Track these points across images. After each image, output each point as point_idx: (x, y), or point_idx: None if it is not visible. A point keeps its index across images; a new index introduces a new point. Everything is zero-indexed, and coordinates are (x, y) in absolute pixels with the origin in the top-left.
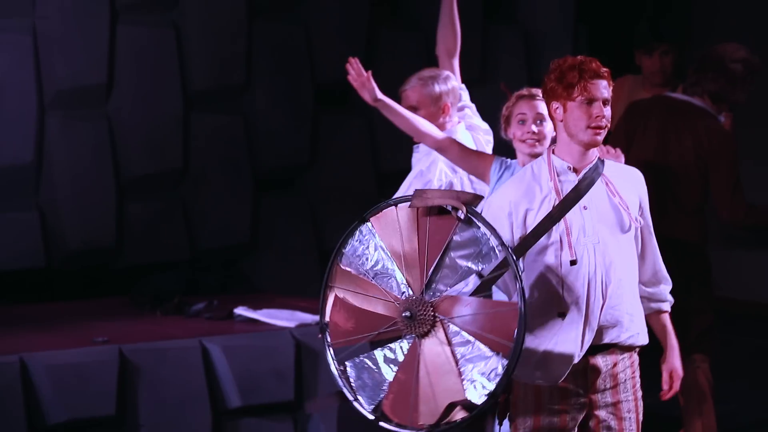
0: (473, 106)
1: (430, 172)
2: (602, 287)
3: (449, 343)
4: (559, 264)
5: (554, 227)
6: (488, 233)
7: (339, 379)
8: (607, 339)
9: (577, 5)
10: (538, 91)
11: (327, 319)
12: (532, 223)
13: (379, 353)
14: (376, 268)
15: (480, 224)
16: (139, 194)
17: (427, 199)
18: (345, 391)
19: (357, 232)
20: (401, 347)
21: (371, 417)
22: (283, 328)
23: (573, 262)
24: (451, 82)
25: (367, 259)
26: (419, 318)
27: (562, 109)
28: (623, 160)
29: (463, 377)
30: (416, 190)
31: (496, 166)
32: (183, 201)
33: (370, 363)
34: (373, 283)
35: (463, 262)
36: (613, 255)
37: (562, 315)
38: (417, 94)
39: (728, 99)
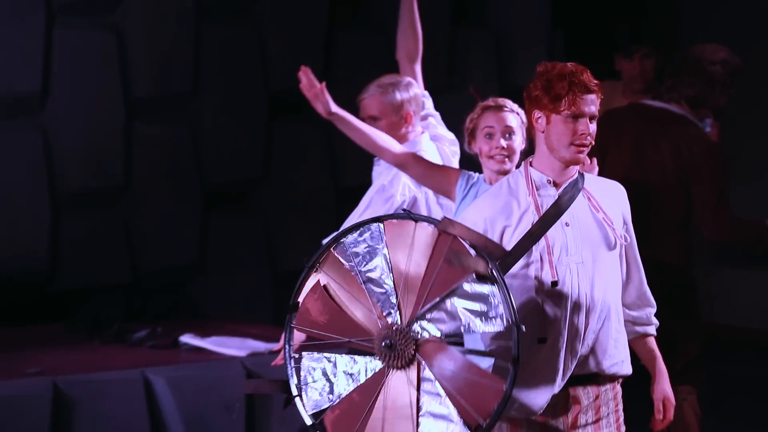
0: (437, 114)
1: (393, 186)
2: (586, 310)
3: (418, 388)
4: (540, 285)
5: (534, 245)
6: (503, 302)
7: (289, 367)
8: (590, 367)
9: (552, 7)
10: (506, 102)
11: (300, 299)
12: (510, 240)
13: (341, 359)
14: (371, 274)
15: (499, 290)
16: (76, 212)
17: (454, 230)
18: (291, 383)
19: (365, 229)
20: (367, 365)
21: (309, 422)
22: (232, 357)
23: (554, 284)
24: (413, 90)
25: (365, 260)
26: (398, 350)
27: (545, 120)
28: (596, 171)
29: (418, 430)
30: (445, 218)
31: (462, 182)
32: (124, 219)
33: (328, 365)
34: (363, 288)
35: (464, 315)
36: (597, 275)
37: (543, 340)
38: (377, 102)
39: (707, 104)
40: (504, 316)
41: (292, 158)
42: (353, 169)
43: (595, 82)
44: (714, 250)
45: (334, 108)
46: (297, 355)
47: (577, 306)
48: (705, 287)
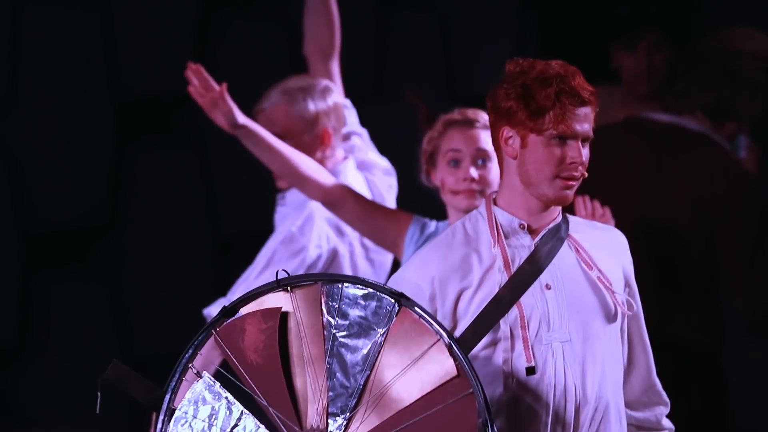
0: (365, 132)
1: (304, 235)
2: (575, 408)
3: None
4: (510, 372)
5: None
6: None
7: (174, 377)
8: None
9: None
10: (478, 115)
11: (244, 310)
12: (469, 309)
13: (246, 418)
14: (344, 350)
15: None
16: None
17: None
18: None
19: (379, 296)
20: None
21: None
22: None
23: (530, 370)
24: (332, 98)
25: (350, 330)
26: None
27: (519, 141)
28: (613, 223)
29: None
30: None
31: (413, 232)
32: None
33: (223, 410)
34: (324, 358)
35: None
36: (590, 359)
37: None
38: (282, 115)
39: (736, 114)
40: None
41: (153, 196)
42: (241, 211)
43: (590, 89)
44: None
45: (242, 119)
46: (195, 369)
47: (562, 402)
48: (738, 378)
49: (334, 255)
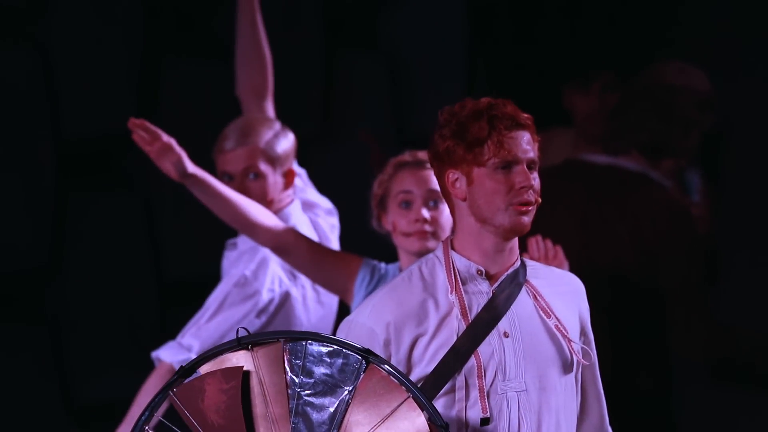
0: (304, 172)
1: (258, 279)
2: None
3: None
4: (464, 422)
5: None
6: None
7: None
8: None
9: (469, 24)
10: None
11: (204, 369)
12: (424, 357)
13: None
14: (310, 409)
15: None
16: None
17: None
18: None
19: (345, 353)
20: None
21: None
22: None
23: (485, 421)
24: (292, 136)
25: (315, 388)
26: None
27: (465, 180)
28: (567, 266)
29: None
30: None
31: (364, 275)
32: None
33: None
34: (288, 417)
35: None
36: (546, 410)
37: None
38: (250, 156)
39: (671, 150)
40: None
41: (95, 239)
42: (185, 256)
43: (527, 115)
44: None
45: (191, 168)
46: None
47: None
48: (690, 421)
49: (286, 298)
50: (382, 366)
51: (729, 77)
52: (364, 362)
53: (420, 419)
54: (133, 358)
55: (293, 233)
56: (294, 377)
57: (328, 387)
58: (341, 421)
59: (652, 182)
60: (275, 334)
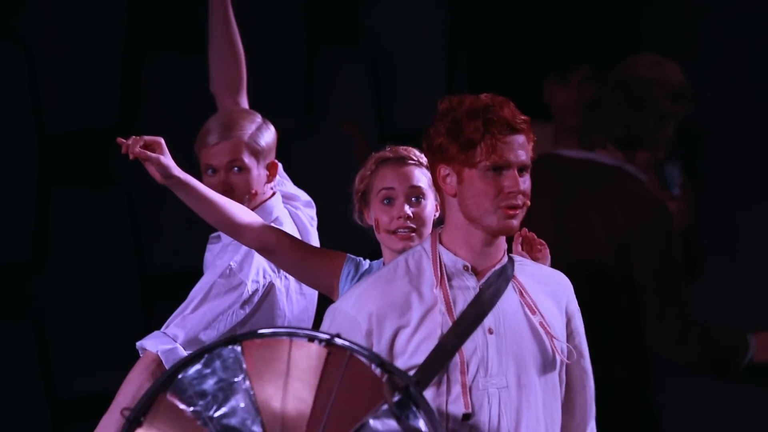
0: (280, 164)
1: (243, 270)
2: None
3: None
4: (445, 415)
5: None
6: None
7: None
8: None
9: (450, 19)
10: (411, 151)
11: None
12: (407, 349)
13: None
14: (228, 420)
15: (426, 423)
16: None
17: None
18: None
19: (214, 356)
20: None
21: None
22: None
23: (467, 416)
24: (273, 129)
25: (217, 401)
26: None
27: (456, 178)
28: (549, 261)
29: None
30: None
31: (348, 271)
32: None
33: None
34: None
35: None
36: (526, 407)
37: None
38: (234, 150)
39: (646, 143)
40: None
41: (78, 233)
42: (168, 250)
43: (523, 117)
44: None
45: (175, 170)
46: None
47: None
48: (669, 413)
49: (270, 289)
50: (249, 336)
51: (711, 72)
52: (234, 346)
53: (313, 347)
54: (117, 351)
55: (278, 233)
56: (195, 408)
57: (226, 390)
58: (256, 407)
59: (628, 176)
60: (152, 393)
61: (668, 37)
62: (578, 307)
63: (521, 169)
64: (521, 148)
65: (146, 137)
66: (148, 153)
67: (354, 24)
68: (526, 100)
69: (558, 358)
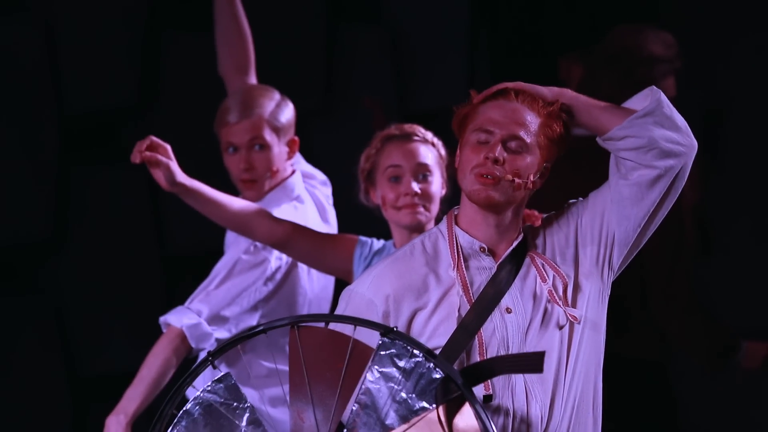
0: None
1: (266, 247)
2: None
3: None
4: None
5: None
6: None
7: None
8: None
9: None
10: (416, 129)
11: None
12: (425, 331)
13: None
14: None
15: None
16: None
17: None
18: None
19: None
20: None
21: None
22: None
23: (488, 398)
24: (292, 105)
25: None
26: None
27: (461, 151)
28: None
29: None
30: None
31: (361, 252)
32: None
33: None
34: None
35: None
36: (552, 382)
37: None
38: (255, 127)
39: None
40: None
41: (98, 213)
42: (188, 229)
43: (516, 87)
44: None
45: (180, 177)
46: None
47: (523, 429)
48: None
49: (292, 267)
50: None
51: (728, 52)
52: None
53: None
54: (136, 329)
55: (288, 226)
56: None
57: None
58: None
59: None
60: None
61: (687, 15)
62: (591, 218)
63: (507, 140)
64: (512, 120)
65: (153, 138)
66: (159, 156)
67: (375, 2)
68: (546, 78)
69: (566, 320)
